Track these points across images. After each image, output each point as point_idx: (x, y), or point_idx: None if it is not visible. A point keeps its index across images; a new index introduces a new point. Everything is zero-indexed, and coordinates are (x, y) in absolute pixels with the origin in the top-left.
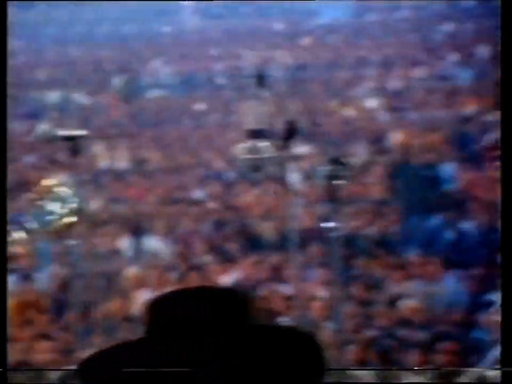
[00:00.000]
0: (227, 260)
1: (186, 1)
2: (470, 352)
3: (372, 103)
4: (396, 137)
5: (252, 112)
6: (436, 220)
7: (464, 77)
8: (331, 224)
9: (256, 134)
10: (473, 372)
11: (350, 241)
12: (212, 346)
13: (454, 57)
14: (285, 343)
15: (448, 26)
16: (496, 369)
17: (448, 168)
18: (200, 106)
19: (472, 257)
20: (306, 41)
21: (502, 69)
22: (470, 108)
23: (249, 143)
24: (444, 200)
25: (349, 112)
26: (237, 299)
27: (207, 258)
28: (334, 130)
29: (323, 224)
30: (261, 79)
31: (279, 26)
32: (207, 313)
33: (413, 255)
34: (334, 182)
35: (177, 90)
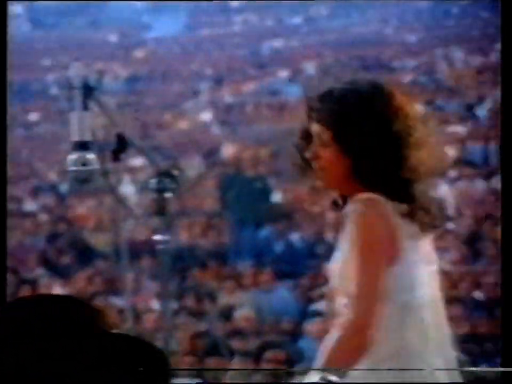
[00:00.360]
0: (60, 273)
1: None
2: (295, 361)
3: (205, 116)
4: (228, 151)
5: (79, 123)
6: (266, 231)
7: (292, 91)
8: (162, 237)
9: (83, 146)
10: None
11: (182, 254)
12: (55, 352)
13: (283, 72)
14: (129, 350)
15: (277, 43)
16: (496, 369)
17: (275, 181)
18: (32, 116)
19: (300, 267)
20: (139, 53)
21: (502, 69)
22: (295, 122)
23: (76, 155)
24: (273, 212)
25: (183, 125)
26: (78, 306)
27: (39, 272)
28: (167, 143)
29: (154, 237)
30: (89, 91)
31: (113, 38)
32: (49, 319)
33: (245, 265)
34: (165, 194)
35: (9, 100)
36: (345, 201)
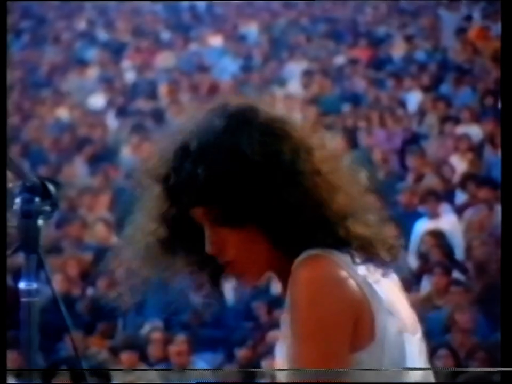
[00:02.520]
0: None
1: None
2: None
3: (95, 101)
4: (128, 154)
5: None
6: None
7: (227, 66)
8: (28, 285)
9: None
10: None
11: (57, 309)
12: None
13: (213, 38)
14: None
15: None
16: (496, 369)
17: None
18: None
19: (234, 332)
20: None
21: (502, 69)
22: None
23: None
24: None
25: (63, 113)
26: None
27: None
28: (38, 139)
29: (18, 285)
30: None
31: None
32: None
33: (150, 329)
34: (34, 221)
35: None
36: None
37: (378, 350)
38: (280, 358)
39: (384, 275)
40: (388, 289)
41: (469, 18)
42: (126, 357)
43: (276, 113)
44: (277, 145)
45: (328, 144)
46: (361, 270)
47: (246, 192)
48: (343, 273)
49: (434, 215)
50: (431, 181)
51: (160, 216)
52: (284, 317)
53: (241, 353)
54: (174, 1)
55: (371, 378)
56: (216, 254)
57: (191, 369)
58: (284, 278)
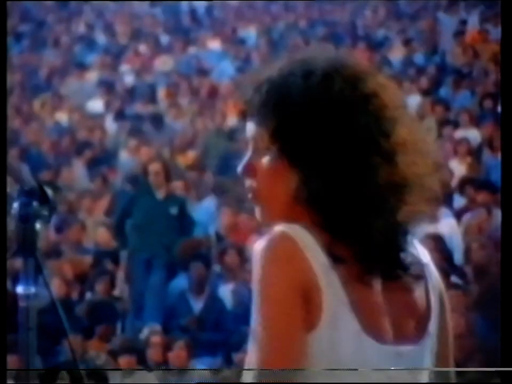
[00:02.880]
0: None
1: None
2: None
3: (94, 105)
4: (127, 158)
5: None
6: (181, 281)
7: (226, 70)
8: (25, 289)
9: None
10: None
11: (55, 313)
12: None
13: (212, 42)
14: None
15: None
16: (496, 369)
17: (198, 204)
18: None
19: (232, 335)
20: None
21: (502, 69)
22: (230, 116)
23: None
24: (192, 251)
25: (62, 117)
26: None
27: None
28: (39, 143)
29: (16, 289)
30: None
31: None
32: None
33: (149, 332)
34: (32, 224)
35: None
36: None
37: (319, 339)
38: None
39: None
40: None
41: (467, 21)
42: (124, 360)
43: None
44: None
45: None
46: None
47: (306, 126)
48: (300, 255)
49: (433, 219)
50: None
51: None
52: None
53: (240, 357)
54: (173, 5)
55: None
56: (246, 175)
57: (192, 369)
58: None
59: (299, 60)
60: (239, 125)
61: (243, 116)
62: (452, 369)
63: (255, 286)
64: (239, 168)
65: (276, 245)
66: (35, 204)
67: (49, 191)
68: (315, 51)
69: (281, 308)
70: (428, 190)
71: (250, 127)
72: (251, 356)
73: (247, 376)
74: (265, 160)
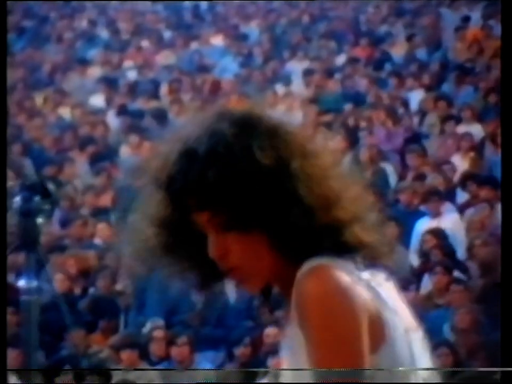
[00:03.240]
0: None
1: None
2: None
3: (96, 101)
4: (129, 153)
5: None
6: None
7: (229, 66)
8: (28, 283)
9: None
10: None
11: (57, 308)
12: None
13: (215, 38)
14: None
15: None
16: (496, 369)
17: None
18: None
19: (234, 331)
20: None
21: (502, 69)
22: None
23: None
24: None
25: (65, 112)
26: None
27: None
28: (40, 138)
29: (17, 283)
30: None
31: None
32: None
33: (152, 327)
34: (34, 219)
35: None
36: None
37: (391, 350)
38: (287, 361)
39: (386, 279)
40: (389, 291)
41: (470, 17)
42: (127, 355)
43: (279, 117)
44: (287, 150)
45: (332, 147)
46: (364, 275)
47: (253, 197)
48: (349, 281)
49: (436, 214)
50: (433, 180)
51: (161, 221)
52: (289, 330)
53: (241, 351)
54: (176, 1)
55: (384, 379)
56: (220, 259)
57: (195, 369)
58: (286, 287)
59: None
60: None
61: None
62: (453, 369)
63: (313, 327)
64: (211, 253)
65: (326, 279)
66: (36, 198)
67: (50, 186)
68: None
69: (352, 339)
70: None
71: (199, 214)
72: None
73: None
74: (232, 237)
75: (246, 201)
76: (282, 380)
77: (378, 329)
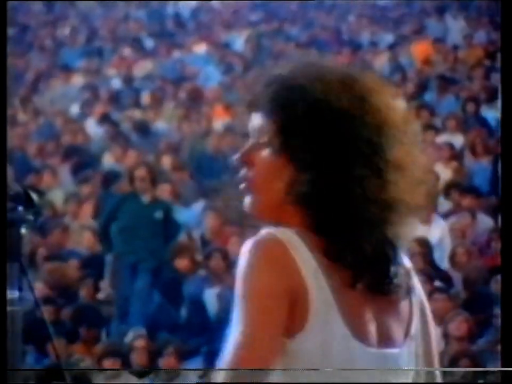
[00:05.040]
0: None
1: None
2: None
3: (77, 109)
4: (111, 161)
5: None
6: None
7: (211, 74)
8: (12, 293)
9: None
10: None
11: (40, 317)
12: None
13: (198, 46)
14: None
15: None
16: (496, 369)
17: (184, 207)
18: None
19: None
20: None
21: (502, 69)
22: (217, 120)
23: None
24: (179, 255)
25: (41, 120)
26: None
27: None
28: (21, 146)
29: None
30: None
31: None
32: None
33: (135, 337)
34: (17, 229)
35: None
36: None
37: (306, 340)
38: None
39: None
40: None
41: (452, 26)
42: (109, 364)
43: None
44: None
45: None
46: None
47: (323, 141)
48: (288, 258)
49: (425, 222)
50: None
51: None
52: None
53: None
54: (158, 8)
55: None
56: (243, 163)
57: (198, 370)
58: None
59: (311, 64)
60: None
61: (249, 107)
62: (453, 369)
63: (239, 286)
64: (237, 156)
65: (265, 246)
66: (20, 208)
67: (34, 196)
68: (323, 59)
69: (264, 310)
70: (414, 208)
71: (256, 119)
72: (225, 356)
73: (219, 376)
74: (265, 152)
75: (301, 125)
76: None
77: (300, 315)
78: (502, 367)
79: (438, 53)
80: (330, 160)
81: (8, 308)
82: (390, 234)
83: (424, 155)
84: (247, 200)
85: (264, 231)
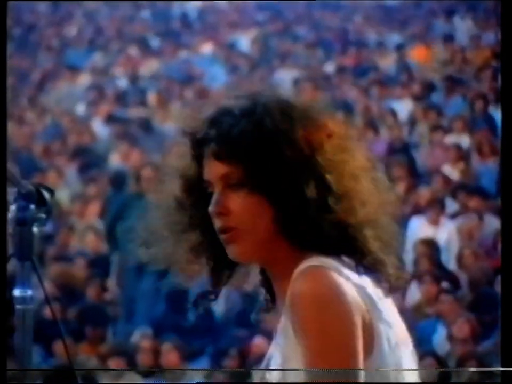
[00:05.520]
0: None
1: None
2: None
3: (83, 109)
4: (118, 161)
5: None
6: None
7: (217, 74)
8: (21, 292)
9: None
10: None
11: (47, 317)
12: None
13: (204, 46)
14: None
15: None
16: (496, 369)
17: None
18: None
19: (224, 339)
20: None
21: (502, 69)
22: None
23: None
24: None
25: (48, 120)
26: None
27: None
28: (28, 146)
29: (13, 292)
30: None
31: None
32: None
33: (141, 337)
34: (29, 228)
35: None
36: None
37: (378, 362)
38: (275, 365)
39: (385, 294)
40: (386, 304)
41: (459, 27)
42: (114, 364)
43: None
44: (321, 140)
45: (364, 150)
46: (362, 281)
47: (276, 162)
48: (346, 286)
49: (433, 223)
50: (424, 189)
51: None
52: (281, 327)
53: (229, 362)
54: (164, 9)
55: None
56: (219, 215)
57: (202, 370)
58: (277, 270)
59: (255, 97)
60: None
61: (198, 155)
62: (452, 369)
63: (308, 329)
64: (211, 208)
65: (323, 282)
66: (32, 207)
67: (46, 194)
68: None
69: (346, 342)
70: (382, 228)
71: (216, 166)
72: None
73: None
74: (238, 197)
75: (267, 163)
76: (272, 381)
77: (367, 339)
78: (502, 367)
79: (445, 53)
80: (300, 187)
81: (19, 306)
82: (358, 245)
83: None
84: (233, 248)
85: (311, 265)
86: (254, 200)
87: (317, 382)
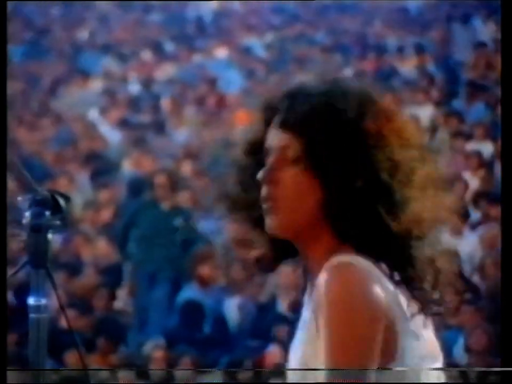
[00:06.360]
0: None
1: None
2: None
3: (96, 114)
4: (129, 168)
5: None
6: (187, 294)
7: (233, 79)
8: (36, 301)
9: None
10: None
11: (61, 326)
12: None
13: (219, 50)
14: None
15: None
16: (496, 369)
17: (203, 216)
18: None
19: (239, 350)
20: None
21: (502, 69)
22: (238, 127)
23: None
24: (199, 265)
25: (60, 125)
26: None
27: None
28: (40, 152)
29: (28, 300)
30: None
31: None
32: None
33: (153, 348)
34: (44, 235)
35: None
36: (307, 259)
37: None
38: (295, 359)
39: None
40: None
41: (482, 32)
42: (126, 375)
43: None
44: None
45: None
46: (395, 288)
47: (338, 150)
48: (375, 289)
49: (456, 232)
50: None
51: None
52: (304, 319)
53: (244, 374)
54: (179, 12)
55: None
56: (269, 182)
57: (205, 370)
58: (310, 257)
59: (335, 80)
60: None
61: (266, 122)
62: (453, 369)
63: (332, 323)
64: (260, 174)
65: (353, 279)
66: (47, 213)
67: (61, 201)
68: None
69: (366, 341)
70: (438, 223)
71: (279, 135)
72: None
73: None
74: (291, 170)
75: (328, 144)
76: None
77: (390, 346)
78: (502, 367)
79: (466, 58)
80: (357, 181)
81: (33, 315)
82: (404, 255)
83: (448, 167)
84: (271, 220)
85: (342, 261)
86: (305, 179)
87: (333, 382)
